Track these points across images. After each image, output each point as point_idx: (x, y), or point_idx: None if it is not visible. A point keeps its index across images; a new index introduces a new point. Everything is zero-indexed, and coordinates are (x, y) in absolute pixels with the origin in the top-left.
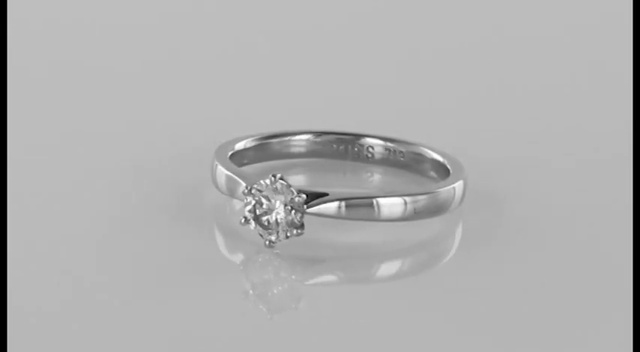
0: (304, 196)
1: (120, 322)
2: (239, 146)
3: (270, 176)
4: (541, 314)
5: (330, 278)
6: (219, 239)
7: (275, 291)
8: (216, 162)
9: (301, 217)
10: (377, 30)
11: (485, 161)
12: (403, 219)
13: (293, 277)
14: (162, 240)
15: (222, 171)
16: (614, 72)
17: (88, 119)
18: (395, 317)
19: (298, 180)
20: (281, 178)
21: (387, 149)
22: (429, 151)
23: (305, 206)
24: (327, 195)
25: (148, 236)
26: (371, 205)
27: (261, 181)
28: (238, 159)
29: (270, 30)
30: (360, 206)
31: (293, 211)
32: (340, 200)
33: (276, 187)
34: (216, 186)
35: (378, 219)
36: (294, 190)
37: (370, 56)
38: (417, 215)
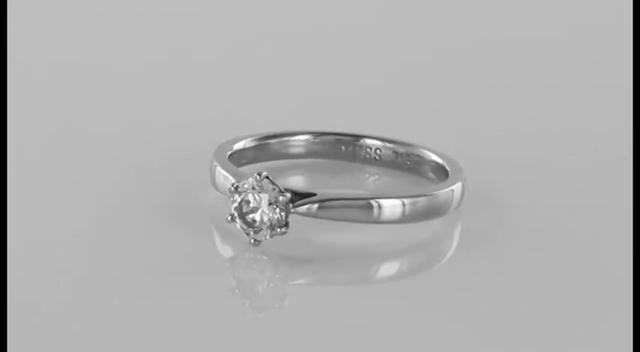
0: (289, 195)
1: (119, 322)
2: (238, 146)
3: (256, 174)
4: (541, 314)
5: (329, 278)
6: (218, 239)
7: (260, 290)
8: (215, 163)
9: (286, 216)
10: (377, 30)
11: (485, 161)
12: (399, 221)
13: (277, 276)
14: (161, 240)
15: (220, 172)
16: (614, 72)
17: (88, 119)
18: (394, 317)
19: (297, 180)
20: (266, 177)
21: (394, 152)
22: (428, 152)
23: (290, 205)
24: (314, 195)
25: (148, 236)
26: (366, 207)
27: (248, 179)
28: (237, 159)
29: (270, 30)
30: (350, 207)
31: (278, 210)
32: (322, 201)
33: (262, 185)
34: (215, 187)
35: (376, 221)
36: (279, 189)
37: (370, 56)
38: (413, 217)
